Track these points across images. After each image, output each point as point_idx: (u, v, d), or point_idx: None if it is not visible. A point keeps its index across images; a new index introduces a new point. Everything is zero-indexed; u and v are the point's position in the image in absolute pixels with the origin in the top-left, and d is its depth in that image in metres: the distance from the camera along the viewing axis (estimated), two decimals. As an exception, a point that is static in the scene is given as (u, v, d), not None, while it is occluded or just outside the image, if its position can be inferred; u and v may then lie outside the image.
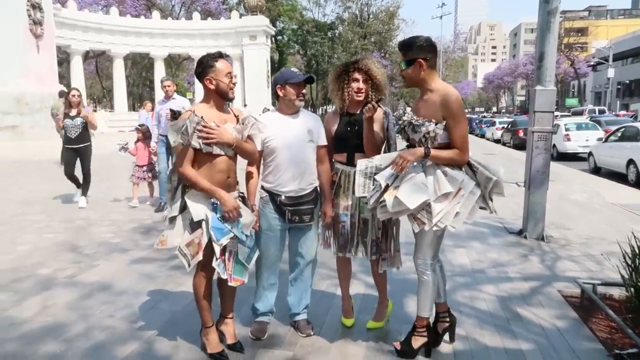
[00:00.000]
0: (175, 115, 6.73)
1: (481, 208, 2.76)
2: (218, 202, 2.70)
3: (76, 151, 7.48)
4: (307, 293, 3.27)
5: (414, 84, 2.79)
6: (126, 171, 8.79)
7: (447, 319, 3.05)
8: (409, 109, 2.84)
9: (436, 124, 2.63)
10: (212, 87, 2.73)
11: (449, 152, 2.66)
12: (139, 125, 8.14)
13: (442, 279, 3.02)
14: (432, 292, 2.85)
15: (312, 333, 3.21)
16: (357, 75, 3.03)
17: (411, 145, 2.82)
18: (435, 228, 2.63)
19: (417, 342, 2.91)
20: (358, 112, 3.07)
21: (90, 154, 7.68)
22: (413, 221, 2.68)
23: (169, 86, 6.96)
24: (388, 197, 2.63)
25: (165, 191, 6.90)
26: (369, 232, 3.09)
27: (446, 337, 3.08)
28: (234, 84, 2.79)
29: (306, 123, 3.06)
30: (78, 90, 7.51)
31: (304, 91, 3.03)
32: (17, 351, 3.01)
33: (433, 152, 2.64)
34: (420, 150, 2.64)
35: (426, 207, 2.61)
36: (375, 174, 2.75)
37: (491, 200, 2.77)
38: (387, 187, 2.67)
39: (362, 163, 2.83)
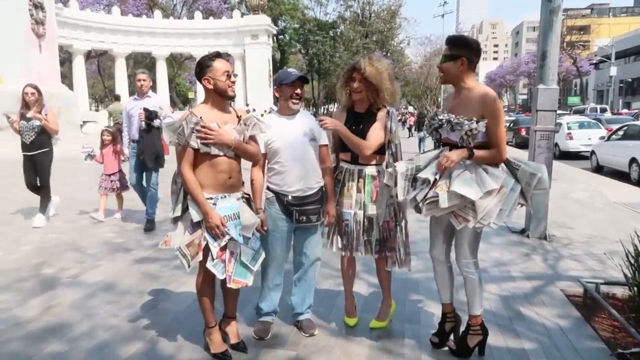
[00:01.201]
0: (150, 115, 5.53)
1: (520, 204, 2.76)
2: (216, 204, 2.70)
3: (31, 159, 6.30)
4: (310, 293, 3.27)
5: (450, 79, 2.80)
6: (129, 169, 8.82)
7: (454, 319, 3.07)
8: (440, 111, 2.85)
9: (477, 122, 2.63)
10: (210, 86, 2.74)
11: (489, 151, 2.68)
12: (107, 127, 7.15)
13: (451, 281, 3.03)
14: (480, 290, 2.85)
15: (315, 333, 3.21)
16: (354, 74, 3.04)
17: (444, 144, 2.81)
18: (478, 225, 2.64)
19: (473, 340, 2.91)
20: (363, 111, 3.10)
21: (49, 163, 6.35)
22: (454, 219, 2.68)
23: (144, 80, 5.97)
24: (441, 192, 2.60)
25: (153, 204, 6.09)
26: (374, 231, 3.09)
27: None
28: (233, 82, 2.78)
29: (306, 122, 3.09)
30: (33, 87, 6.15)
31: (298, 91, 3.01)
32: (21, 351, 3.02)
33: (476, 152, 2.65)
34: (465, 151, 2.65)
35: (469, 204, 2.61)
36: (416, 174, 2.74)
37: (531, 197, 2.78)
38: (435, 181, 2.66)
39: (402, 165, 2.79)
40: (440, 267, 3.01)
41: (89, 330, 3.30)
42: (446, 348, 3.02)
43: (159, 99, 6.31)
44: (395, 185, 2.78)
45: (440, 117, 2.79)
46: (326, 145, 3.15)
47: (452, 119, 2.71)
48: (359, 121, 3.08)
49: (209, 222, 2.63)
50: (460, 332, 3.02)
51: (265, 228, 3.02)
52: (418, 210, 2.76)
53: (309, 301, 3.28)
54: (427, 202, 2.67)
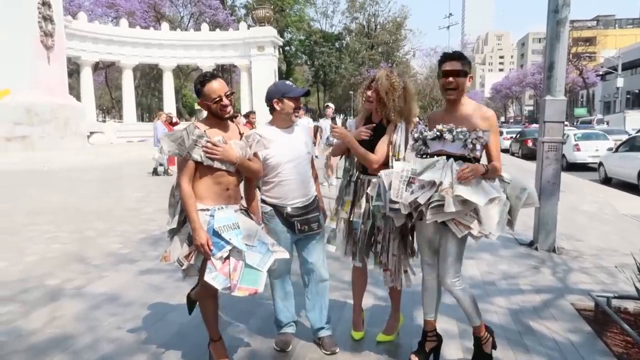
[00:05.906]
0: None
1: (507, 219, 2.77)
2: (214, 215, 2.65)
3: None
4: (325, 305, 3.20)
5: (460, 94, 2.77)
6: (136, 180, 8.82)
7: (435, 339, 3.01)
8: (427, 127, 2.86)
9: (483, 132, 2.67)
10: (204, 108, 2.75)
11: (494, 163, 2.72)
12: None
13: (438, 296, 2.98)
14: (473, 300, 2.82)
15: (337, 350, 3.11)
16: (372, 83, 3.09)
17: (430, 157, 2.75)
18: (478, 235, 2.63)
19: (488, 347, 2.89)
20: (377, 122, 3.11)
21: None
22: (455, 226, 2.64)
23: None
24: (447, 195, 2.53)
25: None
26: (381, 241, 3.06)
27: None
28: (224, 106, 2.69)
29: (302, 135, 3.13)
30: None
31: (300, 104, 3.09)
32: (25, 363, 2.99)
33: (489, 165, 2.68)
34: (481, 168, 2.61)
35: (471, 212, 2.61)
36: (411, 178, 2.66)
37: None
38: (440, 184, 2.58)
39: (399, 165, 2.74)
40: (430, 279, 2.94)
41: (93, 342, 3.27)
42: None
43: None
44: (379, 194, 2.80)
45: (440, 128, 2.71)
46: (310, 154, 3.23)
47: (454, 129, 2.66)
48: (373, 132, 3.06)
49: (195, 240, 2.58)
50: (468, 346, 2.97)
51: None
52: (419, 215, 2.68)
53: (326, 313, 3.20)
54: (431, 205, 2.59)
